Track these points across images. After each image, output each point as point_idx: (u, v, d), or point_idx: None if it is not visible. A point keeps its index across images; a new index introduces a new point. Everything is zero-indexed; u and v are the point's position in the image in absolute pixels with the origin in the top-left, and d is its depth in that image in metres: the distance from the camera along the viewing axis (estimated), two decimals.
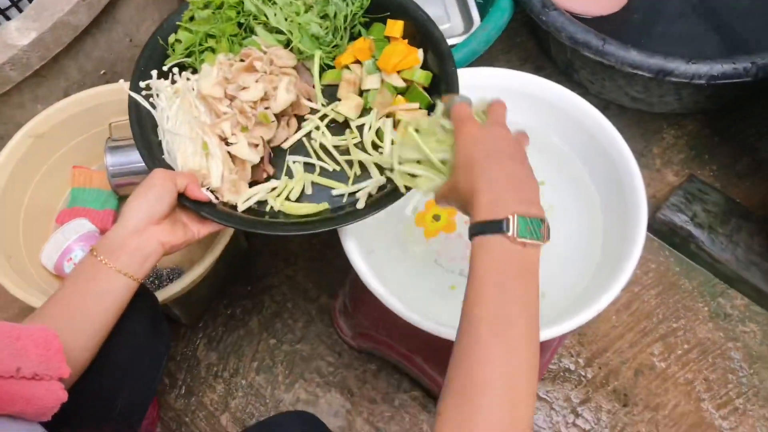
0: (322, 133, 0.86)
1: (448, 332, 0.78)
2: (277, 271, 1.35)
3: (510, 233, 0.55)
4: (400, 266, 0.93)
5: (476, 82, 1.00)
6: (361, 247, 0.85)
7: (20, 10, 1.16)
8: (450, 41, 1.24)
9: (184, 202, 0.76)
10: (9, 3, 1.14)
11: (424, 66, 0.88)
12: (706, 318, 1.27)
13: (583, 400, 1.20)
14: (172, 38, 0.89)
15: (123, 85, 0.86)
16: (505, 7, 1.27)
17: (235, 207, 0.79)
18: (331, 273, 1.33)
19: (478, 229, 0.57)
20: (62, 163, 1.20)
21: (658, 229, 1.32)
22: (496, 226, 0.56)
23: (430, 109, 0.85)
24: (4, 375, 0.56)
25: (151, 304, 0.82)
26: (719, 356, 1.23)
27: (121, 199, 1.24)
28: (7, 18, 1.16)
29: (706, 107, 1.42)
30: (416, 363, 1.07)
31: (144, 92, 0.85)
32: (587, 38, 1.17)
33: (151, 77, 0.85)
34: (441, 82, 0.85)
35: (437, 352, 0.98)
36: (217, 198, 0.79)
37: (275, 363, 1.26)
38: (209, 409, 1.22)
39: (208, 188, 0.78)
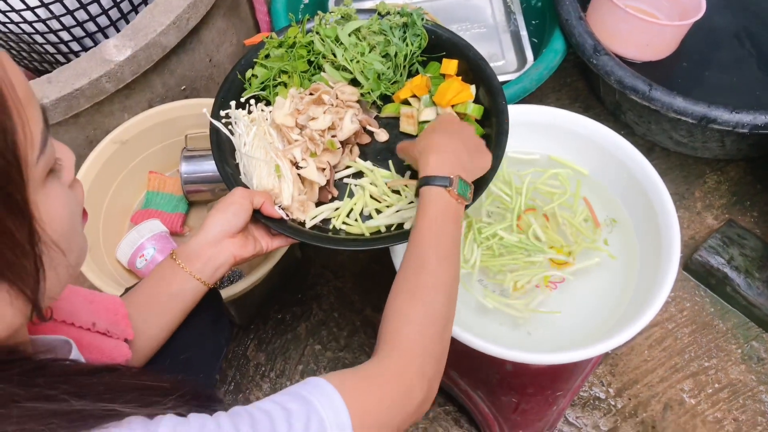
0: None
1: (485, 346, 0.84)
2: (326, 281, 1.43)
3: (451, 188, 0.73)
4: None
5: (526, 118, 1.07)
6: None
7: (117, 30, 1.28)
8: (503, 78, 1.30)
9: (258, 217, 0.84)
10: (108, 23, 1.27)
11: (477, 101, 0.95)
12: (738, 360, 1.29)
13: (611, 429, 1.24)
14: (249, 73, 0.98)
15: (204, 111, 0.95)
16: (559, 48, 1.33)
17: (302, 224, 0.87)
18: (376, 288, 1.41)
19: (427, 181, 0.75)
20: (140, 168, 1.32)
21: (695, 269, 1.35)
22: (443, 181, 0.74)
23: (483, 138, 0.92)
24: (83, 326, 0.67)
25: (216, 301, 0.89)
26: (750, 398, 1.25)
27: (191, 204, 1.34)
28: (106, 36, 1.28)
29: (749, 155, 1.44)
30: (451, 377, 1.12)
31: (224, 120, 0.94)
32: (635, 83, 1.22)
33: (230, 107, 0.94)
34: (492, 116, 0.92)
35: (472, 368, 1.04)
36: (287, 215, 0.87)
37: (319, 368, 1.34)
38: None
39: (279, 206, 0.86)
